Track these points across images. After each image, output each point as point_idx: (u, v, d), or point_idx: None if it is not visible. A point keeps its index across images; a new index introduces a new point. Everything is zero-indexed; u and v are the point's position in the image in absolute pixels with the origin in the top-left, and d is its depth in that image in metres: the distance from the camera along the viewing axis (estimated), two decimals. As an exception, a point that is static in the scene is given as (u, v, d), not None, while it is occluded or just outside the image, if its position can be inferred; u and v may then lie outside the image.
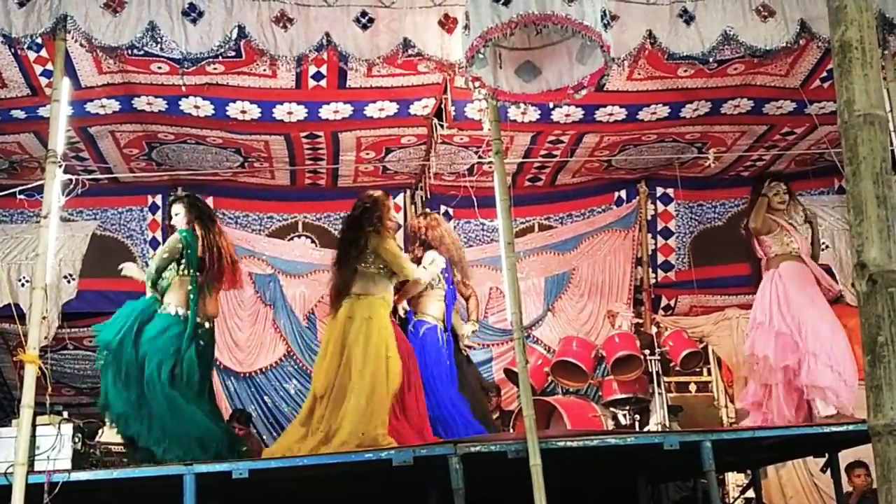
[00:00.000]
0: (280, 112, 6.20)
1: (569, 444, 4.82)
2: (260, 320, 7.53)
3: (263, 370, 7.48)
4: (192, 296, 5.30)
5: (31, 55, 5.35)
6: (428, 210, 6.88)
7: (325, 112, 6.25)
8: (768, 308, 5.82)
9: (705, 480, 5.17)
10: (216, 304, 5.55)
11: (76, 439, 4.68)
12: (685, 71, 5.90)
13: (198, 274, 5.35)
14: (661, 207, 8.20)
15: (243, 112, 6.18)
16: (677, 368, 7.00)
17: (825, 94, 6.23)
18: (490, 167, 6.34)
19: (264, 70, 5.59)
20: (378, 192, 5.63)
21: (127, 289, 6.37)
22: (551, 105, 6.09)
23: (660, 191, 8.18)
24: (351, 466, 4.80)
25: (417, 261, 5.90)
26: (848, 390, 5.49)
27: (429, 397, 5.56)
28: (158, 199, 7.60)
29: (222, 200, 7.70)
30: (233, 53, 5.23)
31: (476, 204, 6.86)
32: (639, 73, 5.92)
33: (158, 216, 7.59)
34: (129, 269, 5.74)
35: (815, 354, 5.56)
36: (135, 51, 5.03)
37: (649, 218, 8.17)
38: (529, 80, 4.71)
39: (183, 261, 5.35)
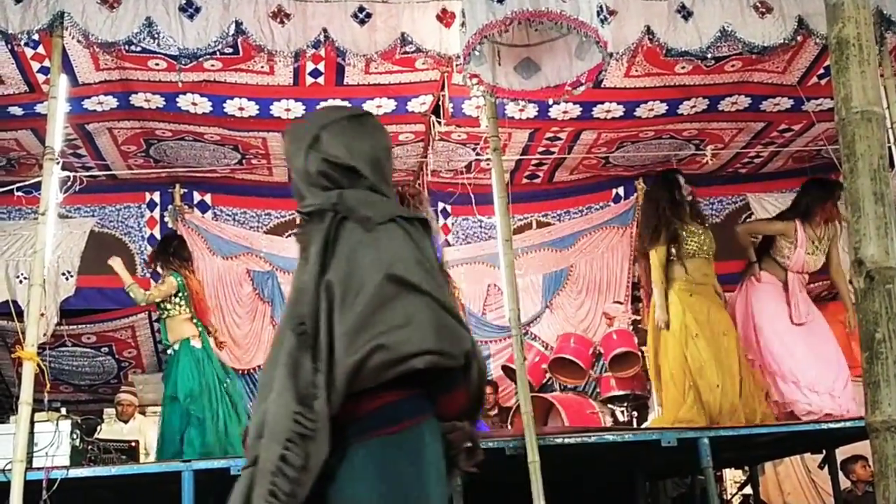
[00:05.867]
0: (278, 109, 6.19)
1: (567, 440, 4.84)
2: (258, 317, 7.51)
3: (262, 367, 7.46)
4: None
5: (29, 52, 5.32)
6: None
7: (323, 109, 6.24)
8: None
9: (703, 477, 5.17)
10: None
11: (74, 436, 4.69)
12: (682, 68, 5.90)
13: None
14: (658, 204, 8.18)
15: (241, 109, 6.17)
16: (675, 365, 6.99)
17: (822, 91, 6.23)
18: (488, 164, 6.35)
19: (262, 67, 5.58)
20: None
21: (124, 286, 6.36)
22: (549, 102, 6.09)
23: (657, 188, 8.15)
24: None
25: None
26: (816, 395, 5.54)
27: None
28: (156, 197, 7.58)
29: (220, 197, 7.69)
30: (230, 50, 5.22)
31: (474, 201, 6.86)
32: (636, 70, 5.92)
33: (156, 213, 7.57)
34: (115, 262, 6.04)
35: (781, 376, 5.62)
36: (132, 47, 5.03)
37: (647, 214, 8.15)
38: (528, 76, 4.71)
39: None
